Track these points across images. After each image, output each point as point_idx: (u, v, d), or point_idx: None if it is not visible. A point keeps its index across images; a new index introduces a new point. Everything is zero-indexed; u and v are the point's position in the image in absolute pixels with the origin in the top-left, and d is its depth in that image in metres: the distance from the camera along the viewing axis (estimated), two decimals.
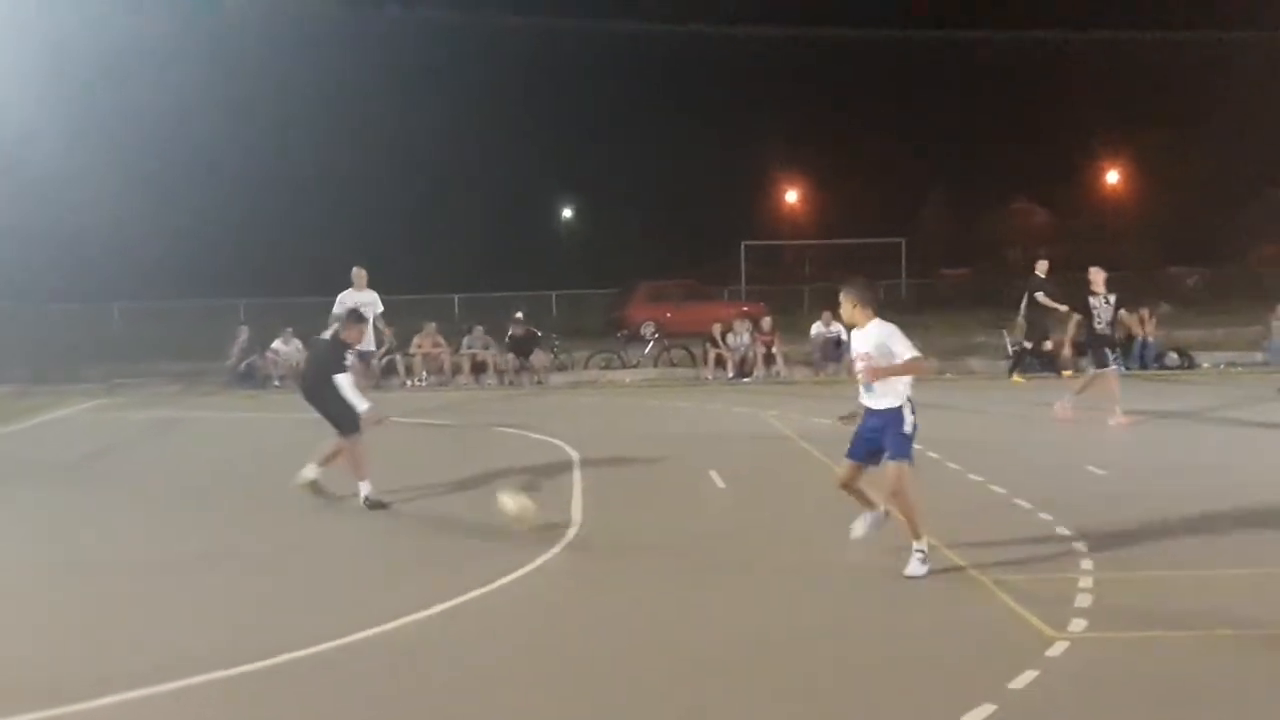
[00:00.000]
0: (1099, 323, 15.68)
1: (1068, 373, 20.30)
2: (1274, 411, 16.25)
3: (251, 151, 46.20)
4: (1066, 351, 18.19)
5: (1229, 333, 25.56)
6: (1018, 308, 23.29)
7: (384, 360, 22.18)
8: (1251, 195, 59.15)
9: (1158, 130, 58.84)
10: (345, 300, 17.02)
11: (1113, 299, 15.82)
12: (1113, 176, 65.00)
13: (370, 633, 7.20)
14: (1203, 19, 54.93)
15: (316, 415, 11.28)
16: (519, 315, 24.31)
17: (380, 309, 17.77)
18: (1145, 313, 23.46)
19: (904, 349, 8.08)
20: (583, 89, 57.83)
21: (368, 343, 16.86)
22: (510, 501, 9.49)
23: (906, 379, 8.20)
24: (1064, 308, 20.53)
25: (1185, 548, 8.76)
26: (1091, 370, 16.02)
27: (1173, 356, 23.06)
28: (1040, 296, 21.33)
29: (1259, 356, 23.17)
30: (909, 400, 8.21)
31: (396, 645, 7.03)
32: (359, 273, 17.94)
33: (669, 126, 61.71)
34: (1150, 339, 23.07)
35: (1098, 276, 15.94)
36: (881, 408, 8.23)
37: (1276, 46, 44.78)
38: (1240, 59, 50.35)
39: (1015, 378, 21.64)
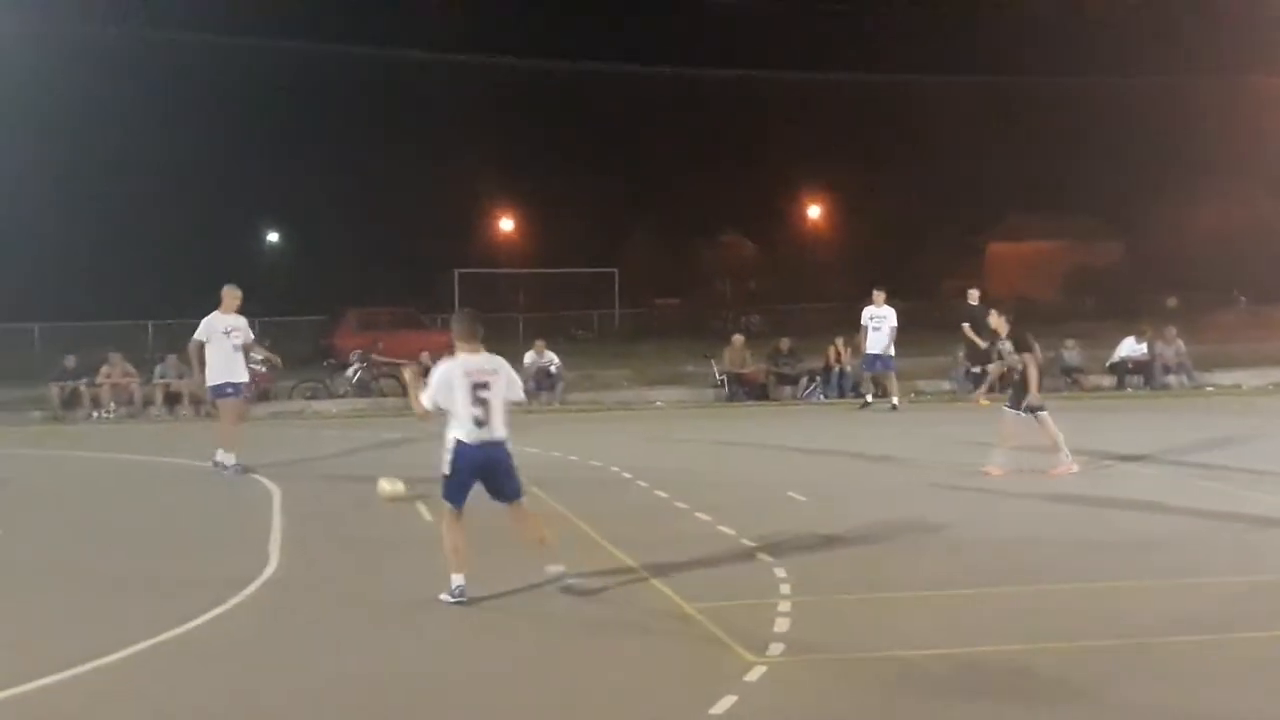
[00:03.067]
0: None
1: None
2: (958, 440, 17.13)
3: None
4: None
5: (918, 362, 26.91)
6: (728, 338, 24.29)
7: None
8: (937, 231, 63.05)
9: (855, 168, 62.05)
10: (214, 325, 14.59)
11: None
12: (814, 211, 68.01)
13: (51, 680, 6.71)
14: (894, 61, 58.30)
15: None
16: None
17: (251, 336, 15.28)
18: (841, 342, 24.44)
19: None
20: (291, 111, 56.31)
21: (238, 374, 14.82)
22: (386, 485, 9.67)
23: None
24: (983, 343, 21.21)
25: (879, 573, 9.05)
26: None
27: (869, 384, 24.09)
28: (965, 326, 21.77)
29: (946, 385, 24.51)
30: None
31: (79, 693, 6.52)
32: (231, 292, 14.82)
33: (382, 151, 60.80)
34: (848, 368, 24.04)
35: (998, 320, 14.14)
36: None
37: (961, 92, 47.96)
38: (929, 102, 53.62)
39: (981, 400, 21.75)
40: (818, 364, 24.42)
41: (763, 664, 6.82)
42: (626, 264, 53.45)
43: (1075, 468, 13.29)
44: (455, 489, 8.17)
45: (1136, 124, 55.46)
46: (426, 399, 8.15)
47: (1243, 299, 46.20)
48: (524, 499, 8.37)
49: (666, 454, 15.81)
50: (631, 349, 34.94)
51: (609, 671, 6.89)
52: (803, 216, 68.54)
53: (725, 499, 12.04)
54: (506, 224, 63.87)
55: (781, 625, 7.56)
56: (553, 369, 23.67)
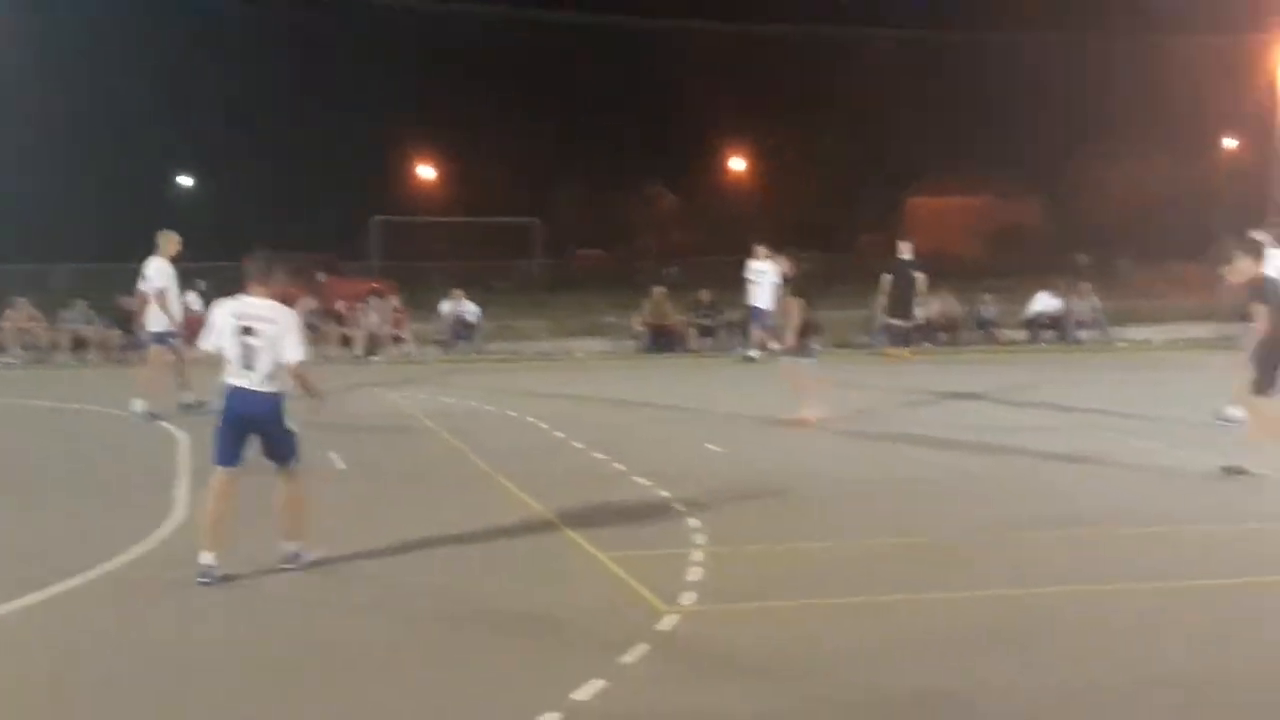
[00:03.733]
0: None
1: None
2: (874, 393, 17.24)
3: None
4: None
5: (840, 315, 27.04)
6: (648, 290, 24.36)
7: None
8: (858, 184, 63.32)
9: (777, 121, 61.98)
10: (166, 271, 14.23)
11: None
12: (737, 164, 67.90)
13: None
14: (816, 13, 58.21)
15: None
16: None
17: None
18: None
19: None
20: (203, 52, 54.84)
21: (161, 323, 14.36)
22: None
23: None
24: (882, 298, 22.37)
25: (792, 522, 9.05)
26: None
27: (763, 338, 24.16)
28: (886, 278, 22.24)
29: (864, 338, 24.62)
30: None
31: None
32: (173, 238, 14.43)
33: (298, 97, 59.50)
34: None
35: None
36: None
37: (881, 44, 48.03)
38: (853, 56, 53.73)
39: (905, 352, 22.17)
40: (738, 316, 24.42)
41: (675, 613, 6.78)
42: (548, 214, 53.06)
43: (813, 420, 13.47)
44: (223, 443, 7.52)
45: (1058, 82, 55.99)
46: (204, 340, 7.63)
47: (1123, 260, 47.13)
48: (296, 467, 7.70)
49: (584, 405, 15.73)
50: (551, 300, 34.74)
51: (522, 619, 6.81)
52: (725, 169, 68.43)
53: (642, 450, 12.01)
54: (427, 172, 63.04)
55: (695, 574, 7.52)
56: (470, 318, 23.45)
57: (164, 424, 13.72)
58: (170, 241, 14.35)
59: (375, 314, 23.07)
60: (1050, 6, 56.26)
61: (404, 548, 8.32)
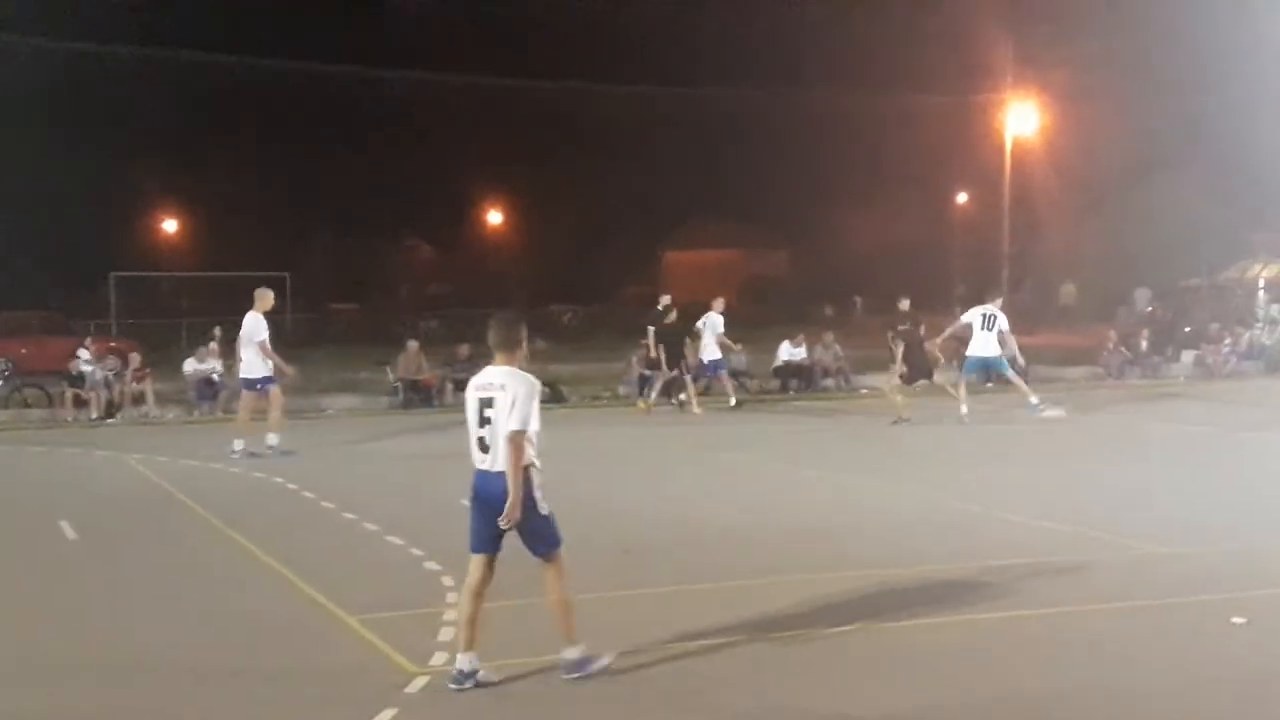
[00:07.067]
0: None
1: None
2: (633, 441, 17.46)
3: None
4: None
5: (598, 367, 27.30)
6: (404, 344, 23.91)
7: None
8: (615, 238, 64.36)
9: (535, 174, 62.44)
10: (261, 324, 15.73)
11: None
12: (494, 216, 67.99)
13: None
14: (569, 70, 59.10)
15: None
16: None
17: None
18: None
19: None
20: None
21: (255, 369, 15.81)
22: None
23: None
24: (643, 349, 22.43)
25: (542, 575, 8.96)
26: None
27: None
28: (651, 330, 22.07)
29: (622, 390, 24.84)
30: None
31: None
32: (265, 294, 16.13)
33: (26, 145, 56.48)
34: None
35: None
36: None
37: (637, 101, 49.07)
38: (607, 110, 54.67)
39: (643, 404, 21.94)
40: None
41: (425, 674, 6.69)
42: (302, 268, 51.83)
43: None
44: (471, 528, 6.91)
45: (803, 138, 58.39)
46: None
47: (858, 300, 49.39)
48: (554, 555, 6.91)
49: (334, 464, 15.35)
50: (303, 355, 33.75)
51: (264, 686, 6.59)
52: (482, 221, 68.44)
53: (395, 508, 11.77)
54: (170, 225, 60.81)
55: (446, 634, 7.41)
56: (216, 376, 22.59)
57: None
58: (265, 299, 15.97)
59: (111, 373, 21.97)
60: (791, 67, 58.77)
61: (136, 620, 7.93)
